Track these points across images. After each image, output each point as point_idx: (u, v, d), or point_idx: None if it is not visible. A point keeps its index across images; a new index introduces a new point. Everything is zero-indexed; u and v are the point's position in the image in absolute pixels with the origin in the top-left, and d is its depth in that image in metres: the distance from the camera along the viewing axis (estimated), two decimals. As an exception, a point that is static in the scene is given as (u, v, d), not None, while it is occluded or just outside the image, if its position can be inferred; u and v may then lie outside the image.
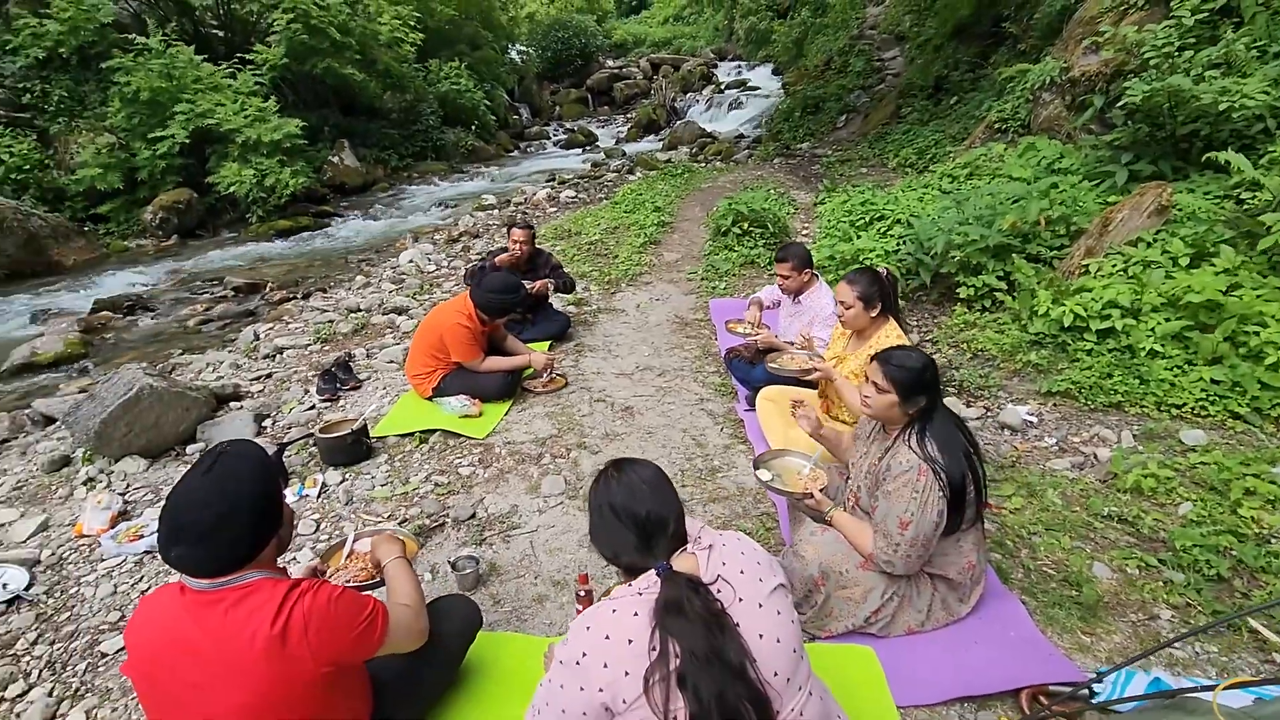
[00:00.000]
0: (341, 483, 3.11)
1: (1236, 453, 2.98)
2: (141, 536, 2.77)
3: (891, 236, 5.84)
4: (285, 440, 3.44)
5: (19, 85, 10.20)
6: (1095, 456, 3.20)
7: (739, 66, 23.38)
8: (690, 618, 1.26)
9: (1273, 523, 2.48)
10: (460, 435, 3.47)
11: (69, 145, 10.03)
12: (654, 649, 1.26)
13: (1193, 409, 3.43)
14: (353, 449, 3.24)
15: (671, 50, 27.57)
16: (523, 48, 23.47)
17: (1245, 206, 4.49)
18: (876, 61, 14.92)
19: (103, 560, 2.71)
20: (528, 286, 4.48)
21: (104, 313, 6.86)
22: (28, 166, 9.50)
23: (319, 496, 3.02)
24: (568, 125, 20.82)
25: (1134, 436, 3.31)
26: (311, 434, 3.35)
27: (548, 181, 12.50)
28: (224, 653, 1.30)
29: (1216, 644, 2.05)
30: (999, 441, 3.37)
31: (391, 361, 4.47)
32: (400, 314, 5.51)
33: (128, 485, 3.27)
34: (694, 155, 14.07)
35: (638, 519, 1.40)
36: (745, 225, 6.58)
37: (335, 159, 13.03)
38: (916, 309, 5.06)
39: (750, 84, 21.04)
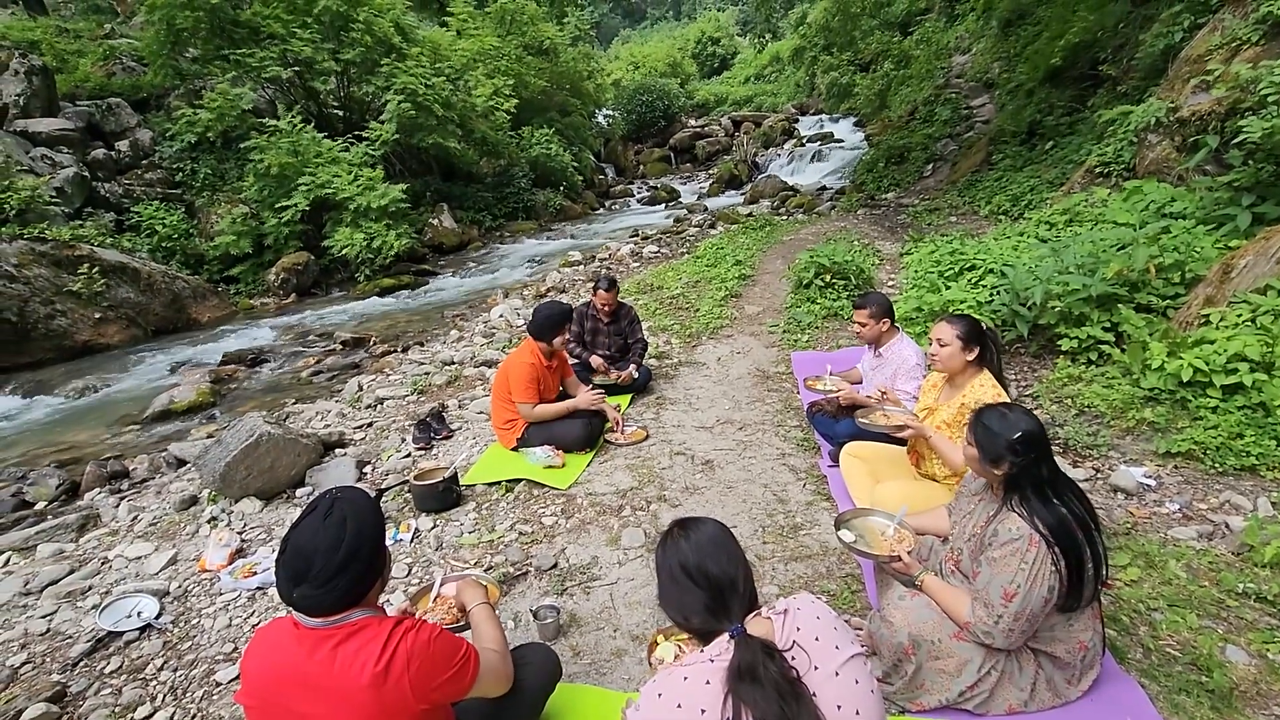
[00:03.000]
0: (433, 529, 3.26)
1: (1402, 526, 2.63)
2: (255, 573, 2.99)
3: (984, 287, 5.63)
4: (383, 486, 3.64)
5: (174, 166, 11.70)
6: (1227, 526, 2.90)
7: (820, 120, 23.55)
8: (764, 685, 1.23)
9: None
10: (544, 485, 3.56)
11: (210, 216, 11.32)
12: (727, 718, 1.24)
13: (1344, 475, 3.06)
14: (444, 496, 3.39)
15: (753, 108, 28.16)
16: (609, 111, 24.66)
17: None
18: (964, 109, 14.66)
19: (220, 594, 2.94)
20: (611, 378, 4.65)
21: (230, 365, 7.57)
22: (176, 235, 10.79)
23: (412, 541, 3.16)
24: (651, 183, 21.50)
25: (1273, 505, 2.98)
26: (406, 481, 3.54)
27: (631, 238, 12.90)
28: (333, 685, 1.40)
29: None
30: (1111, 505, 3.11)
31: (481, 412, 4.68)
32: (490, 366, 5.78)
33: (244, 525, 3.55)
34: (775, 209, 14.16)
35: (709, 578, 1.38)
36: (828, 277, 6.53)
37: (435, 221, 14.00)
38: (1014, 362, 4.81)
39: (833, 136, 21.10)
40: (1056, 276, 4.74)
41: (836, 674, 1.30)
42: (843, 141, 20.49)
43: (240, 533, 3.44)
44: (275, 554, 1.52)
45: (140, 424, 6.17)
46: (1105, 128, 8.05)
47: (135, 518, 3.86)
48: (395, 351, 7.35)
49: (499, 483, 3.62)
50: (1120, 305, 4.46)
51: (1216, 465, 3.30)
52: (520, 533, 3.16)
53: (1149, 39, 8.15)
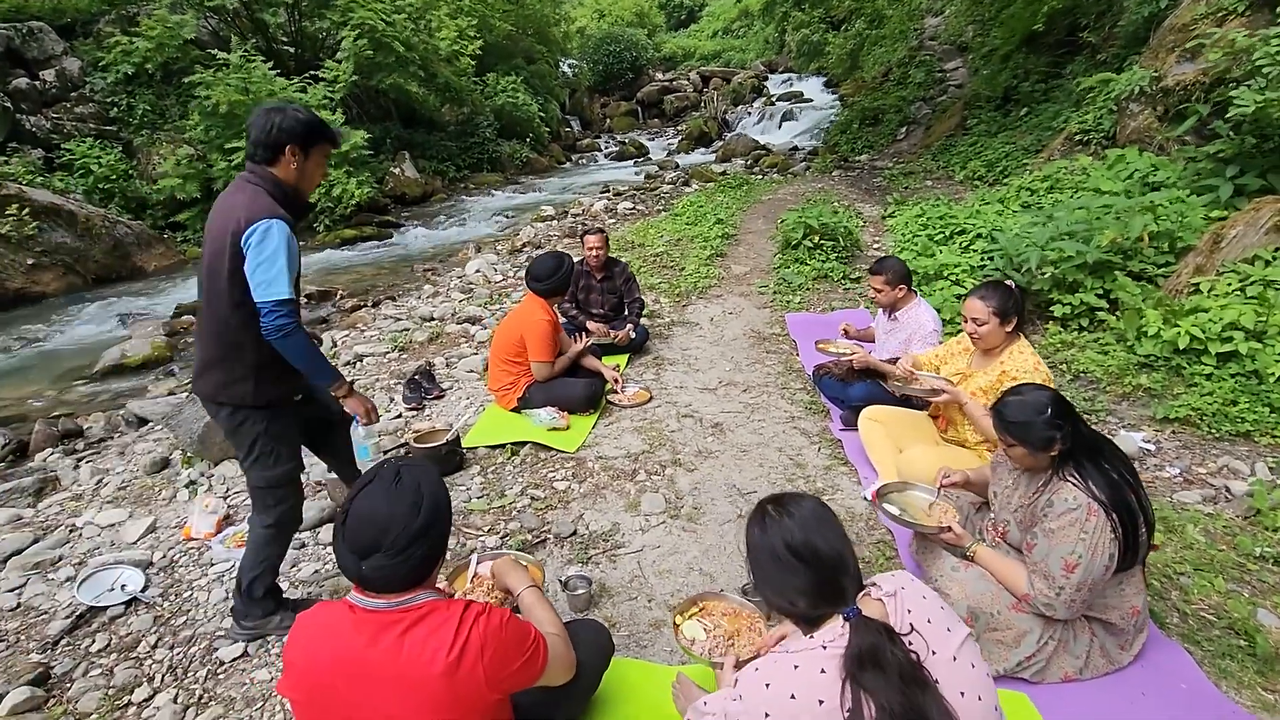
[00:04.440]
0: (437, 494, 3.09)
1: (1395, 491, 2.74)
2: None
3: (974, 251, 5.64)
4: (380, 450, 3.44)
5: (107, 100, 10.73)
6: (1228, 490, 2.98)
7: (790, 79, 23.21)
8: (888, 672, 1.15)
9: None
10: (551, 448, 3.42)
11: (151, 157, 10.47)
12: (848, 709, 1.15)
13: (1334, 441, 3.17)
14: (447, 460, 3.22)
15: (721, 63, 27.57)
16: (574, 61, 23.76)
17: (1373, 223, 4.19)
18: (938, 72, 14.60)
19: (213, 565, 2.73)
20: (610, 337, 4.50)
21: (186, 317, 7.08)
22: (114, 176, 9.95)
23: (417, 507, 3.00)
24: (619, 138, 20.95)
25: (1270, 469, 3.07)
26: (406, 444, 3.35)
27: (603, 193, 12.55)
28: (401, 674, 1.26)
29: None
30: (1119, 470, 3.16)
31: (472, 371, 4.48)
32: (474, 323, 5.54)
33: (228, 489, 3.32)
34: (749, 167, 13.97)
35: (819, 556, 1.27)
36: (816, 238, 6.45)
37: (396, 170, 13.33)
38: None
39: (802, 96, 20.85)
40: (1051, 243, 4.76)
41: (954, 658, 1.24)
42: (812, 101, 20.28)
43: (225, 498, 3.21)
44: (334, 526, 1.37)
45: (90, 379, 5.73)
46: (1084, 95, 8.09)
47: (101, 481, 3.56)
48: (366, 306, 7.00)
49: (503, 445, 3.47)
50: (1115, 273, 4.51)
51: (1213, 431, 3.39)
52: (532, 498, 3.03)
53: (1132, 6, 8.16)
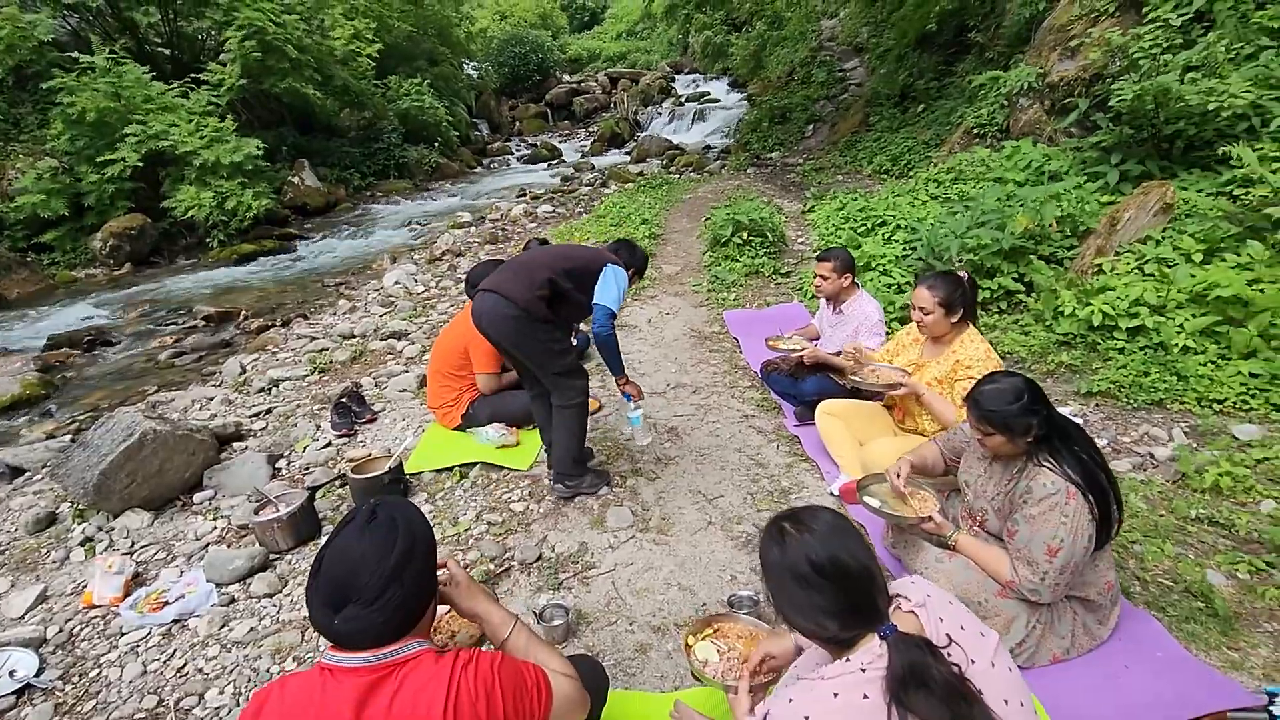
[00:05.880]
0: (383, 527, 2.84)
1: (1294, 446, 2.99)
2: (166, 603, 2.46)
3: (896, 242, 5.84)
4: (313, 485, 3.13)
5: (-52, 108, 9.49)
6: (1152, 456, 3.17)
7: (696, 79, 23.58)
8: (934, 690, 1.08)
9: (1363, 517, 2.47)
10: (502, 467, 3.23)
11: (5, 171, 9.34)
12: None
13: (1234, 404, 3.44)
14: (390, 490, 2.97)
15: (627, 65, 27.68)
16: (479, 63, 23.19)
17: (1239, 202, 4.62)
18: (839, 72, 15.18)
19: (124, 634, 2.38)
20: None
21: (61, 350, 6.33)
22: (-40, 194, 8.81)
23: (362, 545, 2.74)
24: (529, 141, 20.60)
25: (1184, 434, 3.30)
26: (343, 475, 3.07)
27: (519, 197, 12.28)
28: None
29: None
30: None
31: (405, 390, 4.20)
32: (400, 339, 5.22)
33: (133, 544, 2.93)
34: (665, 167, 14.03)
35: (847, 573, 1.18)
36: (745, 235, 6.50)
37: (295, 179, 12.53)
38: (932, 314, 5.03)
39: (710, 96, 21.22)
40: (969, 231, 4.99)
41: (993, 664, 1.19)
42: (720, 101, 20.68)
43: (131, 554, 2.83)
44: (308, 577, 1.18)
45: (-55, 428, 4.99)
46: (976, 92, 8.58)
47: (-31, 548, 3.07)
48: (275, 326, 6.49)
49: (450, 468, 3.24)
50: (1030, 257, 4.77)
51: (1131, 401, 3.61)
52: (489, 523, 2.83)
53: (1014, 8, 8.74)
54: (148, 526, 3.04)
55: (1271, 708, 1.70)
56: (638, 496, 2.96)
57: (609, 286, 2.75)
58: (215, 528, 2.98)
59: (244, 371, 5.03)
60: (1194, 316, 3.85)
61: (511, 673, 1.24)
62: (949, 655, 1.15)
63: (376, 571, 1.15)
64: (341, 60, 13.58)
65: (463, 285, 6.62)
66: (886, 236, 6.01)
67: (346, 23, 13.71)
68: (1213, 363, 3.68)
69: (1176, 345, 3.77)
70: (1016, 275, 4.81)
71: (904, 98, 11.64)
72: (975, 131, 8.24)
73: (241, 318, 6.92)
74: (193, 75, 10.78)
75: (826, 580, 1.19)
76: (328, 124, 14.30)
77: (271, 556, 2.69)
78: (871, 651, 1.15)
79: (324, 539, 2.70)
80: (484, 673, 1.19)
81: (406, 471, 3.20)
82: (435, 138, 16.32)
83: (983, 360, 2.62)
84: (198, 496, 3.24)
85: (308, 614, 1.20)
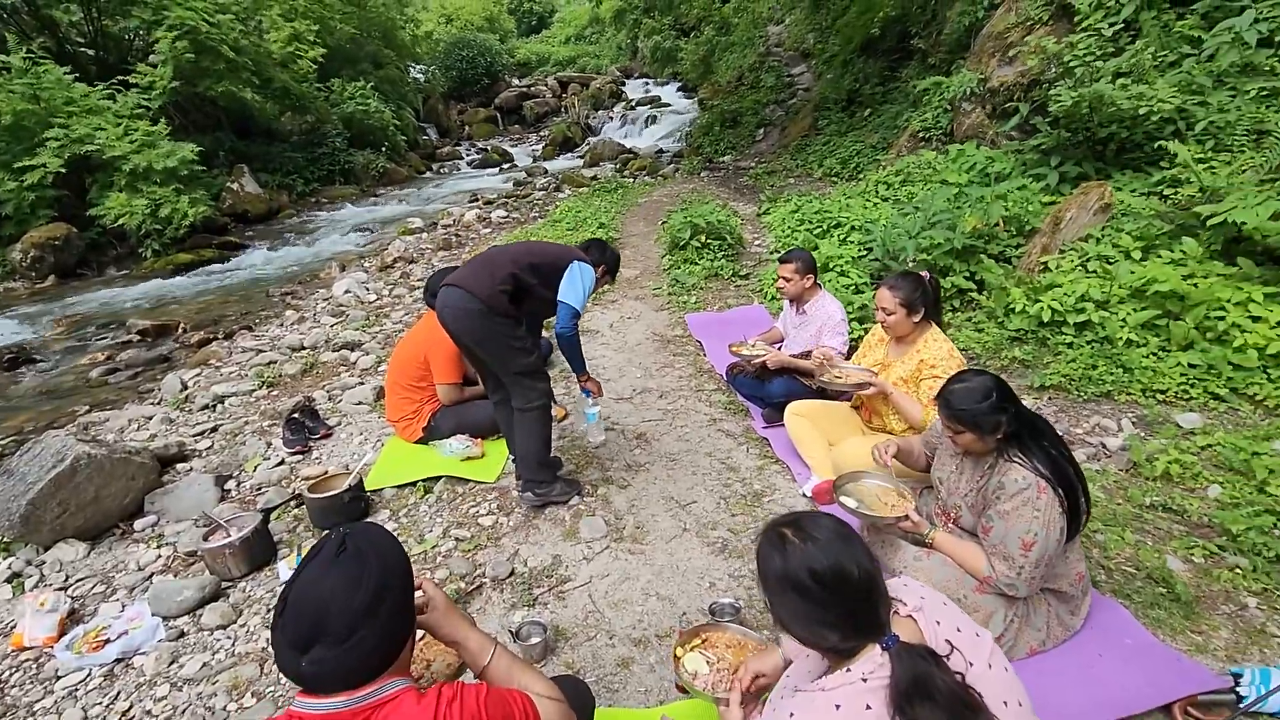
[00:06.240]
0: (344, 548, 2.71)
1: (1233, 433, 3.14)
2: (107, 641, 2.28)
3: (852, 243, 5.94)
4: (267, 506, 2.96)
5: None
6: (1104, 446, 3.29)
7: (647, 84, 23.68)
8: (938, 701, 1.06)
9: (1302, 498, 2.60)
10: (468, 480, 3.13)
11: (-91, 178, 8.68)
12: None
13: (1176, 393, 3.60)
14: (350, 507, 2.83)
15: (577, 69, 27.60)
16: (426, 67, 22.76)
17: (1169, 201, 4.87)
18: (787, 77, 15.45)
19: (60, 677, 2.20)
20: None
21: (-19, 369, 5.89)
22: None
23: (322, 568, 2.60)
24: (480, 145, 20.32)
25: (1133, 424, 3.43)
26: (299, 494, 2.92)
27: (471, 202, 12.09)
28: None
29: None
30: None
31: (361, 403, 4.04)
32: (353, 350, 5.03)
33: (68, 578, 2.72)
34: (619, 171, 14.03)
35: (850, 582, 1.15)
36: (703, 238, 6.52)
37: (234, 185, 12.03)
38: (889, 313, 5.13)
39: (661, 100, 21.32)
40: (922, 232, 5.11)
41: (990, 666, 1.18)
42: (671, 105, 20.79)
43: (66, 589, 2.62)
44: (275, 617, 1.09)
45: None
46: (921, 96, 8.84)
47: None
48: (217, 339, 6.18)
49: (413, 484, 3.12)
50: (981, 256, 4.91)
51: (1081, 394, 3.74)
52: (457, 539, 2.73)
53: (954, 16, 9.04)
54: (83, 558, 2.83)
55: (1237, 689, 1.76)
56: (610, 505, 2.90)
57: (574, 284, 2.71)
58: (160, 556, 2.80)
59: (185, 388, 4.77)
60: (1135, 311, 4.02)
61: (498, 704, 1.17)
62: (950, 662, 1.14)
63: (347, 608, 1.06)
64: (281, 62, 13.13)
65: (417, 293, 6.46)
66: (842, 238, 6.11)
67: (285, 24, 13.24)
68: (1155, 355, 3.84)
69: (1121, 339, 3.93)
70: (968, 274, 4.94)
71: (851, 102, 11.92)
72: (921, 135, 8.47)
73: (180, 331, 6.58)
74: (120, 78, 10.22)
75: (828, 591, 1.16)
76: (268, 128, 13.79)
77: (224, 585, 2.53)
78: (873, 661, 1.13)
79: (280, 563, 2.58)
80: (470, 709, 1.11)
81: (367, 488, 3.06)
82: (382, 142, 15.93)
83: (946, 359, 2.67)
84: (139, 523, 3.04)
85: (274, 658, 1.10)
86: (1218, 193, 4.30)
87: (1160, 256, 4.30)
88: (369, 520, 1.44)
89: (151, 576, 2.69)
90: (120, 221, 9.08)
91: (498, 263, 2.68)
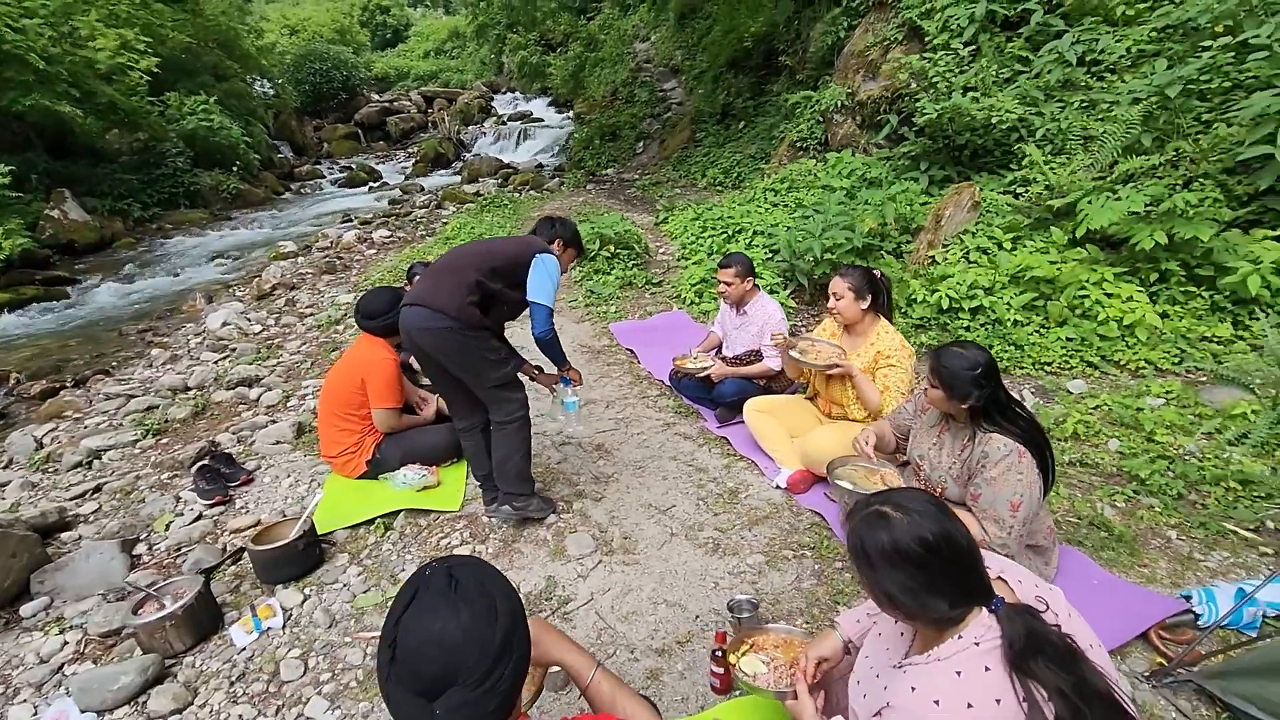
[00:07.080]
0: (305, 602, 2.43)
1: (1114, 394, 3.61)
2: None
3: (757, 247, 6.22)
4: (204, 568, 2.59)
5: None
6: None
7: (516, 99, 23.49)
8: (1049, 655, 1.14)
9: (1183, 443, 3.05)
10: (430, 511, 2.92)
11: None
12: (1024, 701, 1.12)
13: (1059, 364, 4.10)
14: (305, 557, 2.55)
15: (439, 83, 26.84)
16: (274, 80, 21.11)
17: (1022, 198, 5.55)
18: (660, 92, 15.92)
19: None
20: None
21: None
22: None
23: (286, 627, 2.32)
24: (342, 163, 19.18)
25: (1033, 394, 3.86)
26: (240, 549, 2.58)
27: (345, 223, 11.36)
28: None
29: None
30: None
31: (280, 442, 3.65)
32: (251, 385, 4.54)
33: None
34: (501, 186, 13.76)
35: (958, 548, 1.18)
36: (612, 248, 6.55)
37: (54, 213, 10.49)
38: (800, 312, 5.42)
39: (533, 115, 21.22)
40: (825, 233, 5.45)
41: (1070, 615, 1.28)
42: (544, 120, 20.77)
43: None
44: (378, 666, 0.96)
45: None
46: (793, 109, 9.46)
47: None
48: (66, 387, 5.34)
49: (369, 522, 2.86)
50: (881, 253, 5.32)
51: (984, 372, 4.15)
52: (435, 575, 2.53)
53: (817, 35, 9.76)
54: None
55: (1193, 609, 2.03)
56: (590, 519, 2.83)
57: (542, 280, 2.58)
58: (67, 643, 2.36)
59: (41, 446, 4.07)
60: (1016, 295, 4.52)
61: None
62: (1045, 617, 1.22)
63: (485, 647, 0.96)
64: (108, 74, 11.65)
65: (311, 320, 5.95)
66: (747, 242, 6.38)
67: (110, 31, 11.78)
68: (1037, 331, 4.34)
69: (1008, 320, 4.41)
70: (870, 270, 5.33)
71: (725, 115, 12.49)
72: (799, 145, 9.05)
73: (14, 381, 5.62)
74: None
75: (939, 559, 1.18)
76: (91, 147, 12.17)
77: (168, 662, 2.18)
78: (981, 625, 1.19)
79: (231, 628, 2.27)
80: None
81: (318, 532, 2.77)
82: (232, 161, 14.58)
83: (899, 350, 2.89)
84: (26, 608, 2.55)
85: (393, 712, 0.97)
86: (1061, 189, 4.95)
87: (1027, 246, 4.87)
88: (466, 554, 1.26)
89: (61, 668, 2.26)
90: (-88, 258, 7.63)
91: (458, 271, 2.53)
